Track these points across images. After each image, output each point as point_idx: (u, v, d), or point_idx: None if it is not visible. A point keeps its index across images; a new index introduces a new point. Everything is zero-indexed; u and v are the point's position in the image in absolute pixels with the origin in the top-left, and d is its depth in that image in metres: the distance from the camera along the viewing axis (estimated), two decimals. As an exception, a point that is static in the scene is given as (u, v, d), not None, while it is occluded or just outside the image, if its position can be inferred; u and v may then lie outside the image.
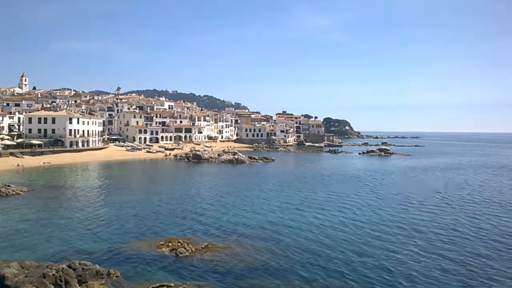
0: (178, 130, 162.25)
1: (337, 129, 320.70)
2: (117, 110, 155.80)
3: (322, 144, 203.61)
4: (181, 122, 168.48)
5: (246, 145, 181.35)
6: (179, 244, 32.32)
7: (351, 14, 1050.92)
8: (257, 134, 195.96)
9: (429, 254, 31.37)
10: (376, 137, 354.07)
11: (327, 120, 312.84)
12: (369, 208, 48.86)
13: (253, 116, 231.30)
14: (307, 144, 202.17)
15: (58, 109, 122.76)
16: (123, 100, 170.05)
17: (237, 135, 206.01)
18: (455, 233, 37.90)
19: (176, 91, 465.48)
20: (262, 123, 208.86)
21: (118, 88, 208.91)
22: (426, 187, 67.42)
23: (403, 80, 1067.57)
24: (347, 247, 32.95)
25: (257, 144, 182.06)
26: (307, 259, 30.05)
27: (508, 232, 38.45)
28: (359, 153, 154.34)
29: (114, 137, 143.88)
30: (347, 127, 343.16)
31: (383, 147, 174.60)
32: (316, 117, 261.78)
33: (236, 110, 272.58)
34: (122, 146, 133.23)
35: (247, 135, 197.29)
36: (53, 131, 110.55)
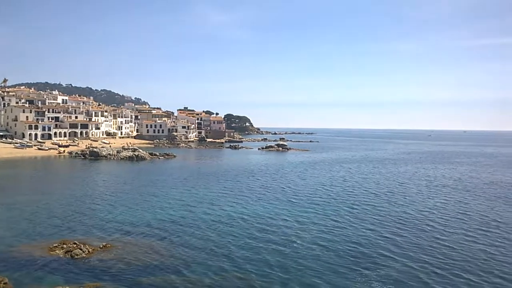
0: (73, 126, 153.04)
1: (237, 125, 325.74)
2: (4, 104, 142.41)
3: (223, 140, 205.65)
4: (76, 117, 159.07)
5: (147, 142, 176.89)
6: (75, 245, 30.92)
7: (254, 11, 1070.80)
8: (158, 130, 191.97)
9: (309, 245, 33.25)
10: (275, 133, 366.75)
11: (228, 117, 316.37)
12: (259, 202, 50.37)
13: (154, 112, 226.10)
14: (208, 140, 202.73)
15: None
16: (10, 93, 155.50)
17: (137, 131, 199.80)
18: (335, 223, 40.53)
19: (70, 84, 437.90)
20: (163, 119, 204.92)
21: (5, 80, 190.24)
22: (315, 180, 71.26)
23: (302, 78, 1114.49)
24: (233, 242, 33.64)
25: (158, 140, 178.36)
26: (201, 255, 30.56)
27: (380, 220, 42.14)
28: (259, 149, 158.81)
29: (1, 133, 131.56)
30: (247, 124, 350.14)
31: (281, 142, 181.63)
32: (217, 114, 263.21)
33: (136, 106, 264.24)
34: (10, 143, 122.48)
35: (147, 131, 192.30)
36: None
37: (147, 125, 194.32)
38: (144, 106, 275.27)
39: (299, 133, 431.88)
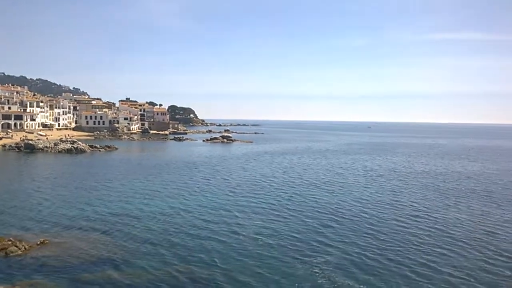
0: (6, 117, 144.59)
1: (182, 117, 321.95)
2: None
3: (167, 132, 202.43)
4: (9, 108, 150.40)
5: (87, 134, 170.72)
6: (10, 242, 29.66)
7: (196, 1, 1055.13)
8: (99, 121, 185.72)
9: (251, 235, 33.80)
10: (220, 125, 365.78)
11: (172, 108, 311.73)
12: (201, 194, 50.35)
13: (94, 102, 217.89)
14: (152, 132, 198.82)
15: None
16: None
17: (76, 123, 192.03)
18: (276, 213, 41.42)
19: (3, 73, 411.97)
20: (104, 110, 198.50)
21: None
22: (257, 171, 72.13)
23: (249, 70, 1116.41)
24: (174, 234, 33.41)
25: (98, 132, 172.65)
26: (141, 249, 30.38)
27: (319, 210, 43.52)
28: (203, 140, 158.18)
29: None
30: (191, 115, 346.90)
31: (226, 134, 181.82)
32: (161, 105, 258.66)
33: (74, 96, 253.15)
34: None
35: (87, 122, 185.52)
36: None
37: (86, 117, 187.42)
38: (83, 96, 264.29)
39: (244, 124, 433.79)
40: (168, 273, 25.71)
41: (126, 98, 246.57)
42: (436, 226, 37.66)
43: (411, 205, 46.56)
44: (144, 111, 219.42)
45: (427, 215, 42.05)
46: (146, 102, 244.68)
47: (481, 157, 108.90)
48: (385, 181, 63.78)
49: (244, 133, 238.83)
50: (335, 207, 44.67)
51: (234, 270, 26.29)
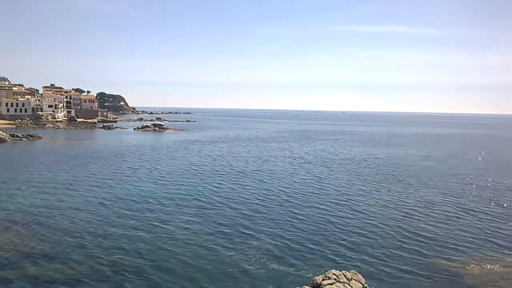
0: None
1: (111, 104, 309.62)
2: None
3: (95, 120, 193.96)
4: None
5: (7, 122, 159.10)
6: None
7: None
8: (21, 109, 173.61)
9: (174, 227, 33.59)
10: (151, 113, 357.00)
11: (101, 95, 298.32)
12: (124, 185, 48.36)
13: (15, 89, 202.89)
14: (79, 120, 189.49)
15: None
16: None
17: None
18: (201, 203, 41.48)
19: None
20: (27, 97, 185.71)
21: None
22: (186, 160, 71.07)
23: (180, 58, 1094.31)
24: (90, 230, 31.74)
25: (20, 121, 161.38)
26: (54, 247, 29.07)
27: (245, 198, 44.01)
28: (134, 129, 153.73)
29: None
30: (122, 103, 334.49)
31: (157, 122, 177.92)
32: (88, 92, 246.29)
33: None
34: None
35: (8, 110, 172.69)
36: None
37: (7, 104, 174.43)
38: (3, 82, 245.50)
39: (177, 112, 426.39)
40: (90, 266, 24.73)
41: (51, 85, 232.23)
42: (358, 209, 39.52)
43: (335, 190, 48.36)
44: (70, 98, 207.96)
45: (350, 199, 43.94)
46: (73, 89, 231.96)
47: (402, 143, 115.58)
48: (312, 168, 65.68)
49: (176, 121, 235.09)
50: (263, 194, 45.32)
51: (161, 260, 25.92)
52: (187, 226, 33.12)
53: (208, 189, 47.57)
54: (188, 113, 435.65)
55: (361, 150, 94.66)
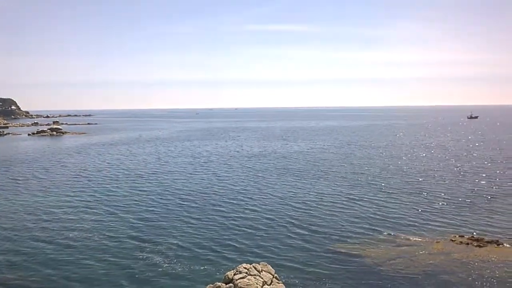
0: None
1: (1, 109, 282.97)
2: None
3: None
4: None
5: None
6: None
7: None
8: None
9: (55, 233, 32.71)
10: (47, 116, 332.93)
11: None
12: (11, 195, 46.02)
13: None
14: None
15: None
16: None
17: None
18: (92, 207, 40.48)
19: None
20: None
21: None
22: (84, 165, 68.11)
23: (71, 56, 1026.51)
24: None
25: None
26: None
27: (138, 202, 43.54)
28: (29, 134, 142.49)
29: None
30: (13, 107, 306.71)
31: (55, 126, 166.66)
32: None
33: None
34: None
35: None
36: None
37: None
38: None
39: (76, 115, 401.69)
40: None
41: None
42: (260, 204, 40.68)
43: (235, 187, 49.14)
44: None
45: (250, 195, 44.82)
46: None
47: (297, 138, 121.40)
48: (212, 166, 66.05)
49: (76, 124, 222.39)
50: (164, 197, 44.49)
51: (64, 269, 24.94)
52: (87, 235, 31.69)
53: (105, 195, 45.66)
54: (89, 115, 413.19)
55: (260, 145, 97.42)
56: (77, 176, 57.87)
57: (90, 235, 31.89)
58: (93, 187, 50.43)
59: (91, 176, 58.20)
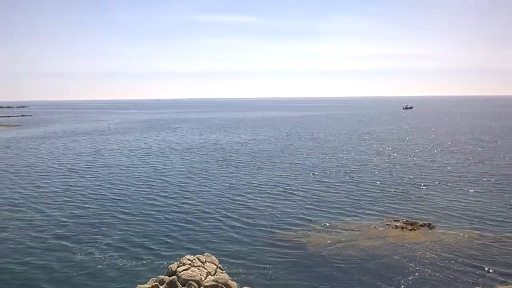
0: None
1: None
2: None
3: None
4: None
5: None
6: None
7: None
8: None
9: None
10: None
11: None
12: None
13: None
14: None
15: None
16: None
17: None
18: (21, 203, 37.95)
19: None
20: None
21: None
22: (12, 161, 63.67)
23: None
24: None
25: None
26: None
27: (69, 196, 41.19)
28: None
29: None
30: None
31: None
32: None
33: None
34: None
35: None
36: None
37: None
38: None
39: (9, 107, 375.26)
40: None
41: None
42: (199, 196, 39.77)
43: (174, 180, 47.77)
44: None
45: (189, 187, 43.76)
46: None
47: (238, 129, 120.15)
48: (150, 159, 63.80)
49: (8, 116, 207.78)
50: (92, 194, 41.73)
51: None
52: (10, 235, 29.22)
53: (33, 191, 42.59)
54: (23, 107, 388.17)
55: (200, 138, 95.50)
56: (3, 172, 53.64)
57: (13, 235, 29.35)
58: (20, 183, 46.79)
59: (19, 171, 54.15)
